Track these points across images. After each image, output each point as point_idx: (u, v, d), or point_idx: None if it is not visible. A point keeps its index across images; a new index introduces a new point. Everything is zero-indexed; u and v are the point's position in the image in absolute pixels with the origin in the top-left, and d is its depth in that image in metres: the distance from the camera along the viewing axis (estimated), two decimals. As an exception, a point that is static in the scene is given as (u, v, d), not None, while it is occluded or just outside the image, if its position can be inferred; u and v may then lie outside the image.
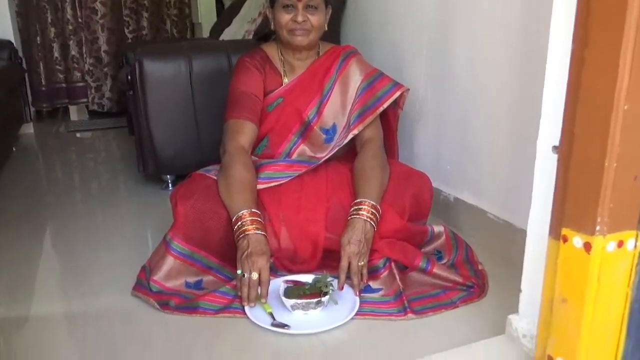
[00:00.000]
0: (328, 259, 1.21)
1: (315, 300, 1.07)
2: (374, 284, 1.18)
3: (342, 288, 1.14)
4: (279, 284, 1.14)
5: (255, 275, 1.07)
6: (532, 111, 1.05)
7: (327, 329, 1.03)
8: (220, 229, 1.16)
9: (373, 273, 1.18)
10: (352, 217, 1.14)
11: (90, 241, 1.42)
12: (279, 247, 1.18)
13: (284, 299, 1.08)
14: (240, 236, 1.10)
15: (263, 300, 1.08)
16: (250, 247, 1.07)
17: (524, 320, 0.86)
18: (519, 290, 0.86)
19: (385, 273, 1.19)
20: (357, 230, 1.12)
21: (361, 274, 1.14)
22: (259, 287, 1.08)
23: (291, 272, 1.22)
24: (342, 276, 1.12)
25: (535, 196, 0.74)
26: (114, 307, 1.10)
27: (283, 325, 1.05)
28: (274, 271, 1.21)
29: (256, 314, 1.08)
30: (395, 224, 1.20)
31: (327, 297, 1.08)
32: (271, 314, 1.08)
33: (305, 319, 1.08)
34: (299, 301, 1.07)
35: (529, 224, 0.79)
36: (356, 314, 1.08)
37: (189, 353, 0.96)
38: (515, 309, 0.89)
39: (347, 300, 1.11)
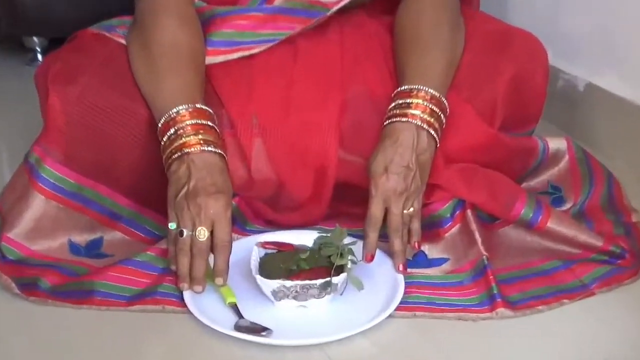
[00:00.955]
0: (344, 201, 1.16)
1: (320, 282, 0.95)
2: (432, 251, 1.12)
3: (371, 258, 1.05)
4: (249, 248, 1.05)
5: (204, 233, 0.97)
6: None
7: (342, 337, 0.93)
8: (135, 143, 1.09)
9: (432, 229, 1.12)
10: (393, 120, 1.05)
11: None
12: (250, 179, 1.11)
13: (259, 278, 0.97)
14: (175, 157, 1.01)
15: (219, 282, 0.99)
16: (194, 178, 0.98)
17: None
18: None
19: (455, 230, 1.11)
20: (403, 146, 1.02)
21: (408, 232, 1.07)
22: (212, 256, 1.00)
23: (274, 226, 1.18)
24: (372, 236, 1.04)
25: None
26: None
27: (257, 330, 0.94)
28: (241, 225, 1.16)
29: (206, 306, 0.99)
30: (477, 135, 1.12)
31: (342, 276, 0.97)
32: (234, 307, 0.98)
33: (301, 318, 0.99)
34: (289, 283, 0.96)
35: None
36: (399, 308, 0.99)
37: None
38: None
39: (380, 283, 1.04)
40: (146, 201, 1.15)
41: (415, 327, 1.00)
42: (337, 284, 0.99)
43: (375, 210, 1.05)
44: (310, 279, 0.98)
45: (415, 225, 1.08)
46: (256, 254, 1.04)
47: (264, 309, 1.01)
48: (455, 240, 1.12)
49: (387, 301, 1.02)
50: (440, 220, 1.13)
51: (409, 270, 1.08)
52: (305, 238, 1.07)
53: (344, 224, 1.08)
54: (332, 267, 0.99)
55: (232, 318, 0.98)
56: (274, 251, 1.06)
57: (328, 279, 0.98)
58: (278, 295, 1.00)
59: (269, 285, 0.99)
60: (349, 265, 1.00)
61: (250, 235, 1.17)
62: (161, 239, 1.12)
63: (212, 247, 0.99)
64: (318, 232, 1.06)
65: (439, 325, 1.00)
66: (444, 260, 1.12)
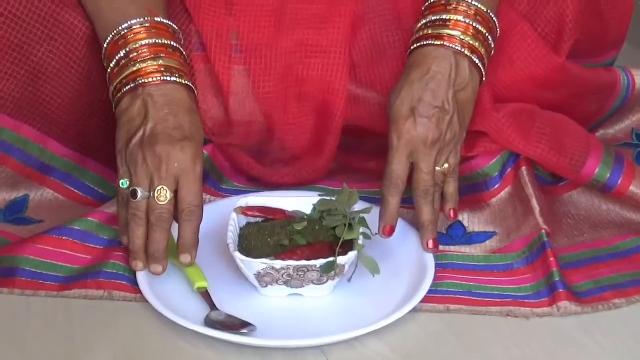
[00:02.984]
0: (354, 152, 1.20)
1: (322, 262, 0.93)
2: (473, 222, 1.12)
3: (390, 231, 1.04)
4: (226, 215, 1.04)
5: (165, 195, 0.95)
6: None
7: (349, 337, 0.92)
8: (69, 68, 1.09)
9: (474, 192, 1.13)
10: (423, 44, 1.04)
11: None
12: (228, 121, 1.13)
13: (239, 256, 0.95)
14: (126, 89, 1.00)
15: (186, 260, 0.97)
16: (152, 119, 0.97)
17: None
18: None
19: (505, 193, 1.12)
20: (435, 79, 1.01)
21: (441, 196, 1.07)
22: (177, 225, 0.97)
23: (259, 185, 1.19)
24: (393, 201, 1.03)
25: None
26: None
27: (235, 326, 0.92)
28: (215, 183, 1.18)
29: (167, 293, 0.98)
30: (538, 65, 1.11)
31: (350, 255, 0.95)
32: (205, 295, 0.97)
33: (294, 311, 0.99)
34: (279, 264, 0.94)
35: None
36: (426, 299, 0.98)
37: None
38: None
39: (402, 264, 1.04)
40: (87, 148, 1.15)
41: (447, 325, 0.99)
42: (343, 266, 0.97)
43: (397, 166, 1.03)
44: (308, 259, 0.96)
45: (451, 188, 1.07)
46: (235, 224, 1.02)
47: (245, 298, 1.01)
48: (505, 208, 1.12)
49: (410, 290, 1.00)
50: (484, 181, 1.13)
51: (440, 247, 1.07)
52: (301, 202, 1.06)
53: (354, 183, 1.10)
54: (338, 242, 0.98)
55: (203, 309, 0.97)
56: (259, 220, 1.05)
57: (332, 258, 0.96)
58: (264, 279, 0.98)
59: (252, 266, 0.96)
60: (360, 240, 0.98)
61: (227, 196, 1.17)
62: (108, 200, 1.11)
63: (175, 213, 0.98)
64: (319, 195, 1.05)
65: (480, 323, 0.99)
66: (489, 234, 1.11)
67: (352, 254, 0.97)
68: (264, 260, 0.96)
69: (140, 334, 0.97)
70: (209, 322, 0.95)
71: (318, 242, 1.00)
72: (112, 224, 1.07)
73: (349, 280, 1.00)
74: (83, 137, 1.15)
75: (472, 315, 1.00)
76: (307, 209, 1.05)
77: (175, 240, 1.01)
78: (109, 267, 1.03)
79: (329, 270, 0.97)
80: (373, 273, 0.99)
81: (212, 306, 0.97)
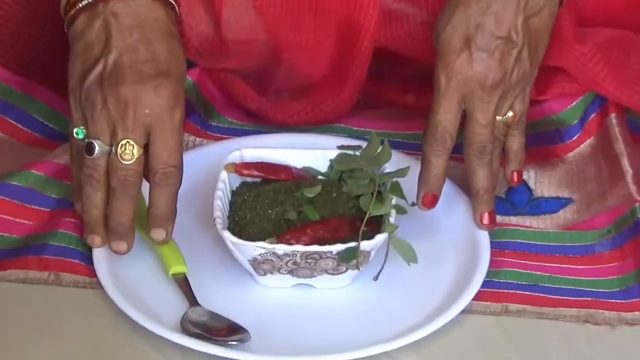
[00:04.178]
0: (388, 83, 1.20)
1: (339, 249, 0.92)
2: (542, 184, 1.11)
3: (432, 202, 1.02)
4: (214, 168, 1.03)
5: (131, 152, 0.95)
6: None
7: (376, 352, 0.90)
8: None
9: (545, 144, 1.13)
10: None
11: None
12: (221, 40, 1.12)
13: (229, 237, 0.93)
14: (82, 5, 0.98)
15: (159, 236, 0.98)
16: (116, 47, 0.97)
17: None
18: None
19: (586, 147, 1.13)
20: (499, 1, 1.01)
21: (503, 152, 1.06)
22: (150, 191, 0.97)
23: (260, 122, 1.19)
24: (437, 162, 1.01)
25: None
26: None
27: (221, 331, 0.92)
28: (201, 119, 1.18)
29: (132, 280, 0.98)
30: None
31: (379, 238, 0.93)
32: (184, 283, 0.96)
33: (302, 310, 0.97)
34: (282, 248, 0.92)
35: None
36: (479, 296, 0.95)
37: None
38: None
39: (447, 246, 1.03)
40: (34, 71, 1.15)
41: (505, 332, 0.95)
42: (369, 253, 0.93)
43: (445, 116, 1.00)
44: (322, 242, 0.92)
45: (516, 143, 1.04)
46: (225, 187, 0.99)
47: (237, 289, 0.98)
48: (585, 168, 1.11)
49: (457, 282, 0.98)
50: (559, 130, 1.12)
51: (498, 219, 1.04)
52: (314, 157, 1.03)
53: (386, 122, 1.14)
54: (362, 219, 0.94)
55: (180, 304, 0.95)
56: (258, 181, 1.02)
57: (353, 244, 0.91)
58: (262, 267, 0.95)
59: (246, 250, 0.93)
60: (393, 217, 0.94)
61: (217, 138, 1.16)
62: (62, 140, 1.10)
63: (146, 173, 0.96)
64: (338, 147, 1.02)
65: (549, 331, 0.96)
66: (562, 202, 1.09)
67: (380, 238, 0.92)
68: (262, 244, 0.92)
69: (94, 335, 0.94)
70: (186, 326, 0.91)
71: (336, 218, 0.96)
72: (65, 179, 1.04)
73: (375, 278, 0.96)
74: (27, 56, 1.13)
75: (539, 321, 0.95)
76: (321, 166, 1.02)
77: (147, 205, 0.98)
78: (58, 239, 1.00)
79: (349, 259, 0.92)
80: (409, 262, 0.95)
81: (192, 300, 0.93)
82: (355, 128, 1.14)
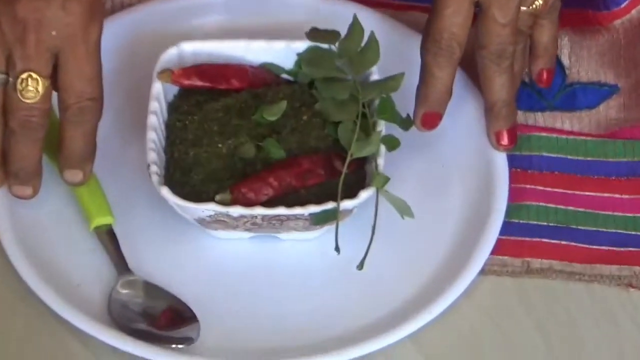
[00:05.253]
0: None
1: (313, 210, 0.90)
2: (579, 59, 1.07)
3: (433, 122, 1.00)
4: (144, 69, 1.00)
5: (35, 86, 0.90)
6: None
7: (362, 353, 0.88)
8: None
9: (582, 8, 1.09)
10: None
11: None
12: None
13: (167, 196, 0.90)
14: None
15: (74, 177, 0.94)
16: None
17: None
18: None
19: (638, 13, 1.08)
20: None
21: (529, 48, 1.02)
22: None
23: None
24: (442, 75, 0.98)
25: None
26: None
27: (161, 321, 0.90)
28: None
29: (41, 239, 0.93)
30: None
31: (363, 196, 0.90)
32: (109, 239, 0.93)
33: (266, 272, 0.94)
34: (238, 211, 0.90)
35: None
36: (500, 249, 0.92)
37: None
38: None
39: (454, 173, 0.99)
40: None
41: (527, 302, 0.91)
42: (350, 211, 0.89)
43: (453, 17, 0.95)
44: (289, 192, 0.89)
45: (545, 35, 0.99)
46: (160, 106, 0.93)
47: (180, 246, 0.93)
48: (638, 42, 1.06)
49: (464, 236, 0.93)
50: None
51: (520, 117, 1.00)
52: (275, 49, 0.97)
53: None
54: (342, 154, 0.89)
55: (106, 271, 0.90)
56: (201, 93, 0.97)
57: (331, 205, 0.86)
58: (212, 225, 0.92)
59: (191, 210, 0.89)
60: (382, 158, 0.88)
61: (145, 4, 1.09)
62: None
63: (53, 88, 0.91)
64: (306, 35, 0.95)
65: (582, 298, 0.91)
66: (606, 90, 1.04)
67: (365, 195, 0.87)
68: (211, 206, 0.86)
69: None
70: (116, 311, 0.86)
71: (307, 156, 0.90)
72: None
73: (360, 267, 0.89)
74: None
75: (569, 283, 0.90)
76: (286, 62, 0.96)
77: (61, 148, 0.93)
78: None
79: (325, 221, 0.88)
80: (403, 215, 0.89)
81: (121, 266, 0.89)
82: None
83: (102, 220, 0.90)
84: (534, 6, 0.95)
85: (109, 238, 0.90)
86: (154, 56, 0.98)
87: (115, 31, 1.04)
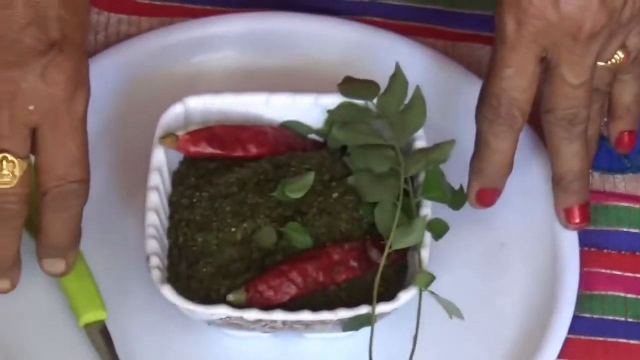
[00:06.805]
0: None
1: (343, 316, 0.90)
2: None
3: (490, 199, 1.01)
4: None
5: (11, 169, 0.91)
6: None
7: None
8: None
9: None
10: None
11: None
12: None
13: (169, 297, 0.89)
14: None
15: (56, 268, 0.94)
16: None
17: None
18: None
19: None
20: None
21: (609, 107, 1.03)
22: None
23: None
24: (501, 146, 0.99)
25: None
26: None
27: None
28: None
29: (22, 335, 0.94)
30: None
31: (403, 298, 0.91)
32: (102, 337, 0.93)
33: None
34: (254, 314, 0.89)
35: None
36: (566, 353, 0.93)
37: None
38: None
39: (513, 259, 0.99)
40: None
41: None
42: (388, 313, 0.88)
43: (514, 79, 0.94)
44: (315, 289, 0.89)
45: (629, 93, 0.99)
46: (162, 180, 0.93)
47: (184, 344, 0.93)
48: None
49: (529, 335, 0.92)
50: None
51: (594, 184, 1.01)
52: (300, 104, 0.96)
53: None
54: (379, 241, 0.89)
55: None
56: (212, 160, 0.97)
57: (365, 309, 0.85)
58: (224, 328, 0.92)
59: (200, 313, 0.88)
60: (427, 249, 0.87)
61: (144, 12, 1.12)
62: None
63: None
64: (338, 88, 0.93)
65: None
66: None
67: (406, 297, 0.86)
68: (222, 309, 0.85)
69: None
70: None
71: (336, 244, 0.89)
72: None
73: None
74: None
75: None
76: (314, 119, 0.95)
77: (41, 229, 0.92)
78: None
79: (358, 326, 0.87)
80: (451, 315, 0.88)
81: None
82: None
83: (94, 315, 0.88)
84: (613, 60, 0.94)
85: (101, 336, 0.88)
86: (154, 101, 0.97)
87: (108, 72, 1.02)
